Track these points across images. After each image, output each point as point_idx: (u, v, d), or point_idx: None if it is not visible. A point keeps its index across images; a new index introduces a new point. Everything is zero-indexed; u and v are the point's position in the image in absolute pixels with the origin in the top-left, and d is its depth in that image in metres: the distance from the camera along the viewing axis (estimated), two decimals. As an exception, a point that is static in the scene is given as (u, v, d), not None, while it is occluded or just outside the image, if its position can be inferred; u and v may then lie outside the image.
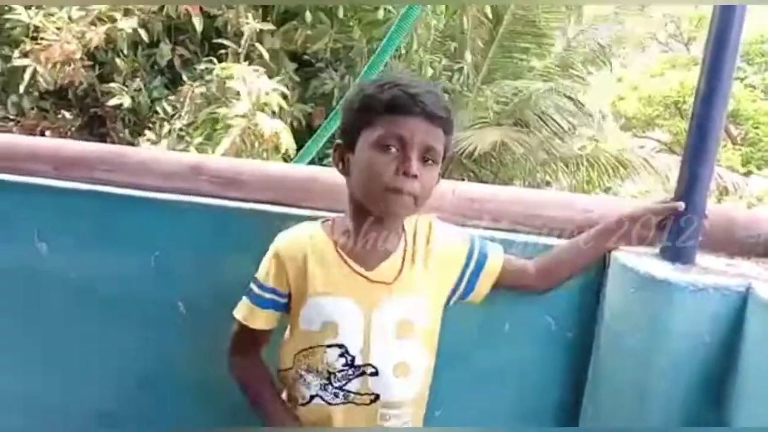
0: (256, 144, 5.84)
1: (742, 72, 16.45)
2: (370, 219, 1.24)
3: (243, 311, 1.32)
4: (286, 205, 1.57)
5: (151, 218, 1.61)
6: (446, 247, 1.31)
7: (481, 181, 8.44)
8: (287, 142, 5.93)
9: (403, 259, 1.27)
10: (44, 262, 1.66)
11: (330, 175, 1.63)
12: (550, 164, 9.44)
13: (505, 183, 8.90)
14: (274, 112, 6.01)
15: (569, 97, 8.94)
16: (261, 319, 1.31)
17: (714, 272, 1.23)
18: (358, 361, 1.24)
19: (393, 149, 1.17)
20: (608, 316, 1.35)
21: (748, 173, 14.57)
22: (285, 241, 1.29)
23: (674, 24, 18.88)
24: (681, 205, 1.26)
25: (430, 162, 1.20)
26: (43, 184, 1.69)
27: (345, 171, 1.26)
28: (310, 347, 1.26)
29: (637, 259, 1.27)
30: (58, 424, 1.76)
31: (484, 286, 1.34)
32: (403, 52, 7.07)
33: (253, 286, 1.31)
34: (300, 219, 1.40)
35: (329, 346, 1.24)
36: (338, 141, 1.27)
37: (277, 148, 5.98)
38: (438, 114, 1.18)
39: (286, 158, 6.06)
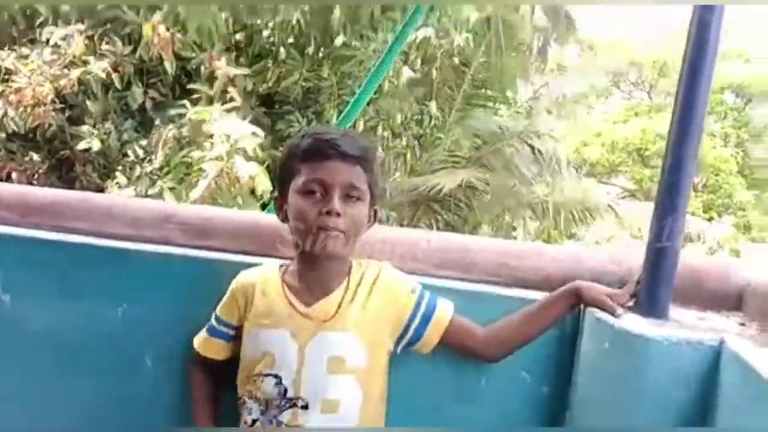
0: (232, 188, 5.81)
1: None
2: (310, 260, 1.33)
3: (198, 338, 1.46)
4: (258, 255, 1.55)
5: (119, 269, 1.58)
6: (391, 294, 1.36)
7: (450, 226, 8.49)
8: (264, 185, 5.89)
9: (342, 298, 1.33)
10: (8, 314, 1.61)
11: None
12: (517, 210, 9.54)
13: (473, 227, 8.97)
14: (249, 156, 5.97)
15: (530, 146, 9.09)
16: (210, 347, 1.44)
17: (687, 326, 1.24)
18: (290, 393, 1.30)
19: (317, 193, 1.28)
20: (583, 371, 1.35)
21: (710, 219, 14.91)
22: (240, 278, 1.42)
23: (636, 71, 19.46)
24: (626, 299, 1.30)
25: (354, 199, 1.30)
26: (8, 233, 1.64)
27: (285, 219, 1.36)
28: (253, 375, 1.33)
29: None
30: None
31: (432, 335, 1.37)
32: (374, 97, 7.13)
33: (212, 318, 1.44)
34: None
35: (266, 375, 1.31)
36: (277, 194, 1.40)
37: (253, 192, 5.94)
38: (352, 154, 1.29)
39: (263, 202, 6.04)
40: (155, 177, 6.13)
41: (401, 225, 7.93)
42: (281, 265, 1.42)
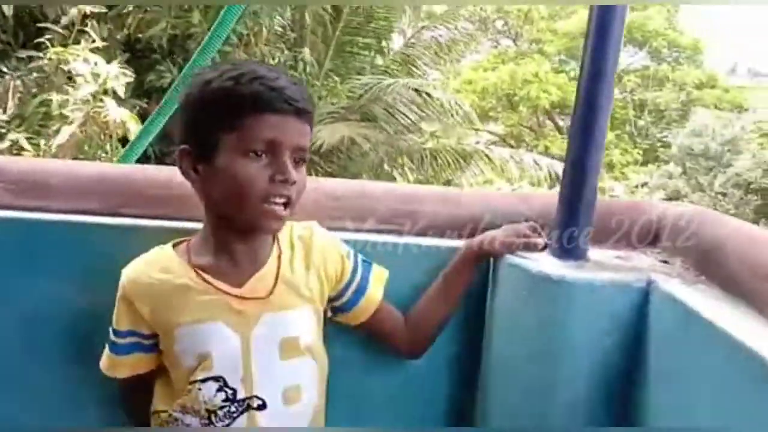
0: (102, 135, 5.18)
1: (567, 65, 17.61)
2: (236, 233, 1.08)
3: (105, 362, 1.16)
4: (102, 215, 1.28)
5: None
6: (328, 256, 1.16)
7: (331, 176, 8.31)
8: (135, 131, 5.30)
9: (278, 269, 1.11)
10: None
11: (153, 173, 1.34)
12: (396, 159, 9.52)
13: (353, 177, 8.82)
14: (120, 99, 5.37)
15: (417, 90, 8.99)
16: (126, 367, 1.14)
17: (610, 267, 1.12)
18: (240, 395, 1.07)
19: (264, 154, 1.02)
20: (499, 323, 1.20)
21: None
22: (130, 277, 1.11)
23: (502, 20, 19.82)
24: (540, 243, 1.17)
25: (301, 162, 1.07)
26: None
27: (198, 182, 1.06)
28: (188, 385, 1.08)
29: (527, 258, 1.13)
30: None
31: (366, 306, 1.19)
32: (243, 43, 6.69)
33: (111, 333, 1.14)
34: (120, 230, 1.22)
35: (203, 380, 1.07)
36: (185, 146, 1.06)
37: (124, 139, 5.33)
38: (307, 109, 1.05)
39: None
40: (4, 130, 5.40)
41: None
42: (174, 246, 1.13)
